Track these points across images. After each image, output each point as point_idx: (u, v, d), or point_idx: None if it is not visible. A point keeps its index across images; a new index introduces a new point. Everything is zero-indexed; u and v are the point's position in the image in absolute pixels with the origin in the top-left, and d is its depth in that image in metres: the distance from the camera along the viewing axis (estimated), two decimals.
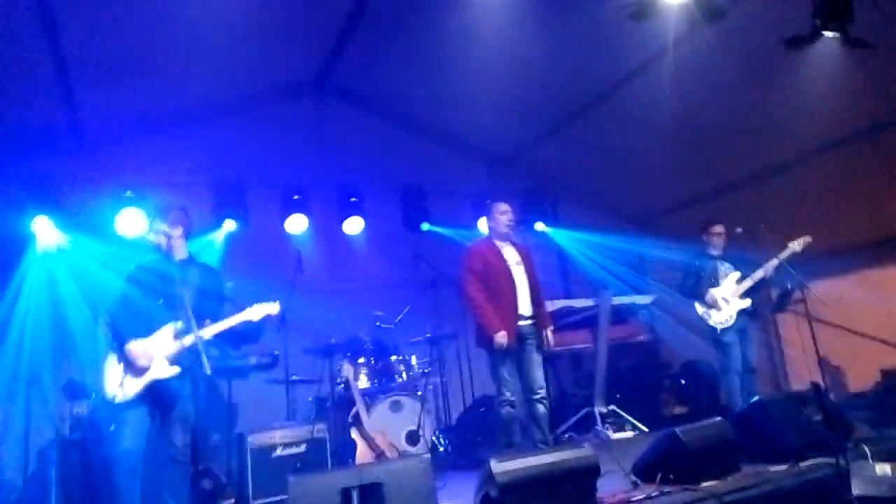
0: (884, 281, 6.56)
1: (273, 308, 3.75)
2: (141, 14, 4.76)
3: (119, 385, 3.36)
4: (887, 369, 5.82)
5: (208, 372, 3.19)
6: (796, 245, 5.23)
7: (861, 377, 6.30)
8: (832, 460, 3.33)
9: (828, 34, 4.17)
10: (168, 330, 3.50)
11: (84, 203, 5.74)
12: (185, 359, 3.44)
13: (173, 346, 3.48)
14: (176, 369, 3.43)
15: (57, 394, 4.41)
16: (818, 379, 5.21)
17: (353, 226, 6.88)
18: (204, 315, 3.52)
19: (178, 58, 5.40)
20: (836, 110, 5.51)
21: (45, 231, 5.38)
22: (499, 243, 4.65)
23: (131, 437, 3.35)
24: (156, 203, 4.18)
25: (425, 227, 7.18)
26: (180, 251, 3.76)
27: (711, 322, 5.31)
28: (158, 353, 3.46)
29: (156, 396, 3.44)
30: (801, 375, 6.73)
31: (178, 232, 3.75)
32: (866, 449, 3.49)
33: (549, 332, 4.54)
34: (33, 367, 4.55)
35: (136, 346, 3.42)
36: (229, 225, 6.28)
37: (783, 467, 3.37)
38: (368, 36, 5.70)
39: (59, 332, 4.76)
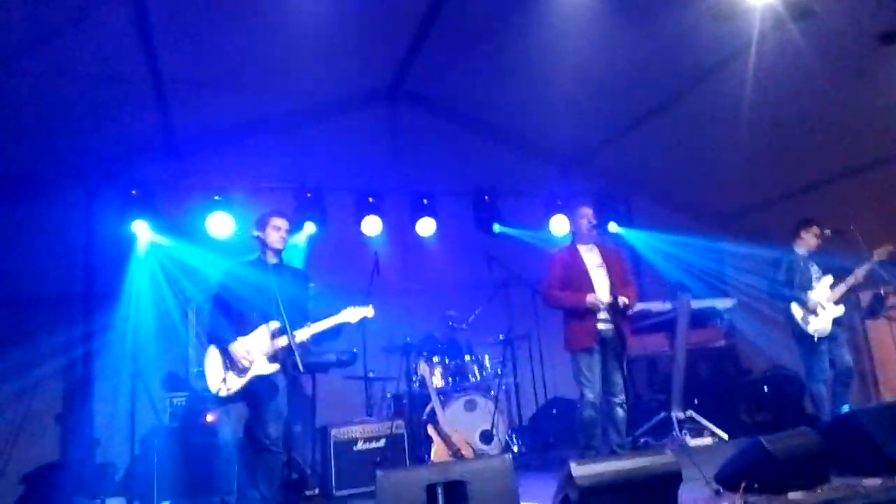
0: None
1: (368, 311, 3.89)
2: (230, 31, 5.06)
3: (222, 380, 3.60)
4: None
5: (302, 370, 3.37)
6: (882, 253, 4.97)
7: None
8: None
9: None
10: (265, 329, 3.71)
11: (177, 207, 6.14)
12: (281, 356, 3.64)
13: (270, 345, 3.69)
14: (276, 366, 3.64)
15: (158, 386, 4.75)
16: None
17: (426, 227, 7.02)
18: (294, 316, 3.68)
19: (262, 70, 5.70)
20: None
21: (144, 234, 5.78)
22: (581, 247, 4.67)
23: (230, 427, 3.58)
24: (254, 209, 4.41)
25: (497, 228, 7.23)
26: (272, 256, 3.95)
27: (810, 329, 5.00)
28: (257, 351, 3.67)
29: (255, 391, 3.65)
30: (891, 385, 6.38)
31: (276, 237, 3.91)
32: None
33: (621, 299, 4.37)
34: (138, 360, 4.92)
35: (239, 347, 3.64)
36: (310, 228, 6.53)
37: (876, 481, 3.25)
38: (441, 41, 5.79)
39: (159, 329, 5.12)
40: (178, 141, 6.32)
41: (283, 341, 3.64)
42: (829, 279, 5.14)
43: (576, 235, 4.76)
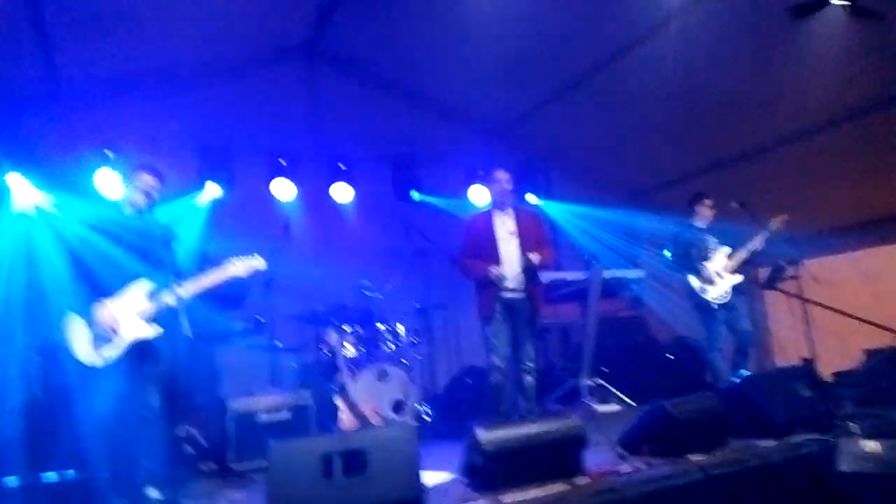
0: (871, 262, 6.56)
1: (256, 262, 3.55)
2: None
3: (95, 349, 3.23)
4: (872, 349, 5.82)
5: (188, 334, 3.08)
6: (776, 223, 5.23)
7: (845, 356, 6.31)
8: (820, 436, 3.32)
9: (834, 2, 4.05)
10: (140, 289, 3.37)
11: (62, 162, 5.57)
12: (164, 319, 3.32)
13: (148, 306, 3.35)
14: (158, 329, 3.32)
15: (30, 354, 4.28)
16: (807, 355, 5.20)
17: (342, 193, 6.76)
18: (164, 273, 3.36)
19: (160, 15, 5.23)
20: (836, 87, 5.42)
21: (19, 188, 5.20)
22: (497, 213, 4.60)
23: (105, 399, 3.23)
24: (132, 160, 3.99)
25: (416, 196, 7.07)
26: (132, 209, 3.55)
27: (707, 297, 5.23)
28: (130, 313, 3.33)
29: (135, 358, 3.32)
30: (786, 352, 6.75)
31: (139, 197, 3.53)
32: (853, 426, 3.49)
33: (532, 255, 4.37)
34: (5, 326, 4.41)
35: (103, 311, 3.27)
36: (214, 189, 6.12)
37: (771, 442, 3.36)
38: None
39: (33, 291, 4.62)
40: (64, 90, 5.72)
41: (168, 299, 3.30)
42: (726, 249, 5.38)
43: (493, 201, 4.72)
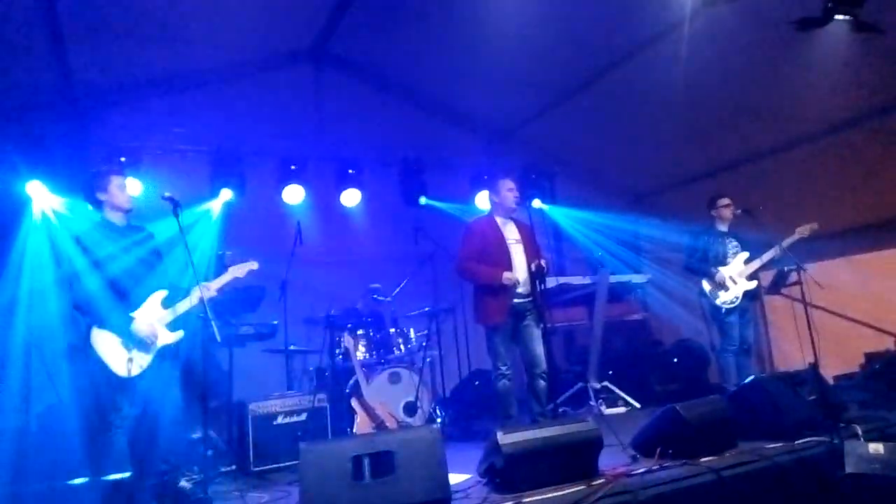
0: (871, 265, 6.65)
1: (252, 265, 3.81)
2: None
3: (128, 361, 3.33)
4: (872, 353, 5.93)
5: (218, 338, 3.21)
6: (805, 230, 5.17)
7: (846, 360, 6.42)
8: (826, 439, 3.43)
9: (839, 17, 4.17)
10: (155, 299, 3.50)
11: (77, 167, 5.63)
12: (179, 324, 3.46)
13: (166, 314, 3.50)
14: (180, 333, 3.43)
15: (60, 360, 4.36)
16: (809, 360, 5.30)
17: (351, 198, 6.84)
18: (161, 279, 3.54)
19: (174, 21, 5.28)
20: (837, 95, 5.53)
21: (40, 195, 5.28)
22: (500, 220, 4.65)
23: (130, 406, 3.33)
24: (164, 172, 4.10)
25: (423, 201, 7.16)
26: (121, 218, 3.65)
27: (718, 301, 5.25)
28: (157, 323, 3.46)
29: (161, 363, 3.46)
30: (787, 356, 6.84)
31: (123, 198, 3.64)
32: (858, 429, 3.60)
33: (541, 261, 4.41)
34: (35, 332, 4.49)
35: (142, 325, 3.39)
36: (226, 194, 6.20)
37: (779, 445, 3.45)
38: (368, 4, 5.59)
39: (62, 298, 4.69)
40: (79, 95, 5.79)
41: (183, 307, 3.49)
42: (744, 255, 5.38)
43: (496, 207, 4.72)
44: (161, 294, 3.52)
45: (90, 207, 3.65)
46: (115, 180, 3.62)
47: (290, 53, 6.65)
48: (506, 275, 4.31)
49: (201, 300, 3.37)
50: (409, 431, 3.60)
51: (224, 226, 6.02)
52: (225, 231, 5.94)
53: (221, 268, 4.44)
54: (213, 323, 3.21)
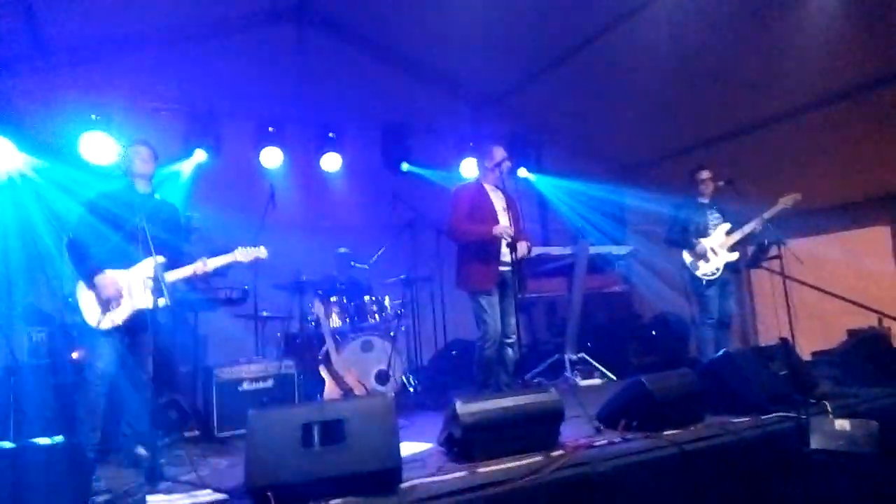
0: (858, 242, 6.59)
1: (261, 252, 3.76)
2: None
3: (104, 312, 3.36)
4: (854, 329, 5.89)
5: (168, 302, 3.14)
6: (788, 201, 5.06)
7: (828, 336, 6.39)
8: (794, 414, 3.38)
9: None
10: (151, 262, 3.41)
11: (46, 124, 5.47)
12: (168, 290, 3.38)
13: (150, 282, 3.42)
14: (163, 300, 3.36)
15: (15, 320, 4.28)
16: (788, 335, 5.24)
17: (331, 162, 6.69)
18: (167, 251, 3.47)
19: None
20: (825, 67, 5.38)
21: (5, 152, 5.12)
22: (488, 187, 4.59)
23: (103, 364, 3.31)
24: (129, 133, 4.01)
25: (405, 167, 7.01)
26: (143, 184, 3.68)
27: (698, 273, 5.19)
28: (136, 283, 3.44)
29: (136, 325, 3.44)
30: (771, 331, 6.81)
31: (146, 168, 3.65)
32: (827, 405, 3.55)
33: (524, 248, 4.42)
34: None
35: (105, 279, 3.39)
36: (199, 155, 6.04)
37: (745, 419, 3.40)
38: None
39: (20, 257, 4.59)
40: (48, 51, 5.58)
41: (173, 275, 3.48)
42: (725, 226, 5.30)
43: (484, 174, 4.68)
44: (153, 261, 3.38)
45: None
46: (136, 149, 3.67)
47: (272, 12, 6.44)
48: (496, 227, 4.25)
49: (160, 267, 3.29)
50: (361, 400, 3.54)
51: (194, 188, 5.87)
52: (195, 193, 5.79)
53: (187, 231, 4.35)
54: (162, 285, 3.11)
